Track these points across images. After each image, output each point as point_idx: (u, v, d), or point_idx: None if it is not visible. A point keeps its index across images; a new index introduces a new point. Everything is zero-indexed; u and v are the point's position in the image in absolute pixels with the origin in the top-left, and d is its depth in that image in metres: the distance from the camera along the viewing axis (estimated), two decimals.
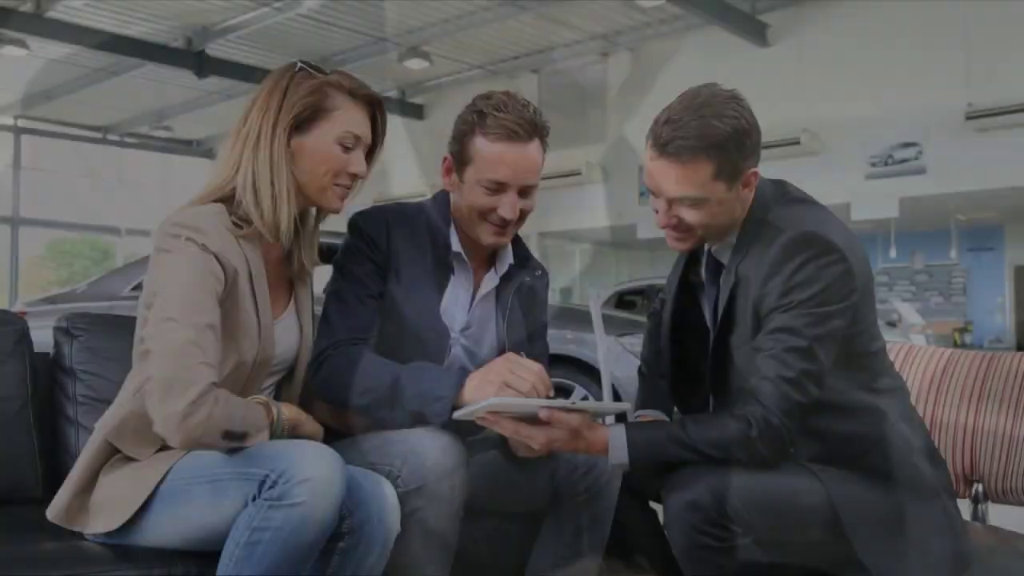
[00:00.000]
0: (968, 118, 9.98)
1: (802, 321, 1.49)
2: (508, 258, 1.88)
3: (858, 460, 1.56)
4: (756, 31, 11.36)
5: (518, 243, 1.91)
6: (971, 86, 9.92)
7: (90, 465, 1.56)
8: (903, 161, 10.60)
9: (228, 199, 1.58)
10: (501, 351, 1.80)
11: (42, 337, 2.01)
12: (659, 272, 15.03)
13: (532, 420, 1.53)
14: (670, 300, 1.81)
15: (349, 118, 1.60)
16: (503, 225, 1.76)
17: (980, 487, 1.91)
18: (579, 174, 12.99)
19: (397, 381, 1.60)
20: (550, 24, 11.96)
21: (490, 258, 1.89)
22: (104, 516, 1.51)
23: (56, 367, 1.98)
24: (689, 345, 1.78)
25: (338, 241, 1.82)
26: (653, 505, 1.91)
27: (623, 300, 10.34)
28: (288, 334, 1.67)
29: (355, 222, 1.80)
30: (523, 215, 1.78)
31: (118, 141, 17.71)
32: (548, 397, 1.59)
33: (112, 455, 1.56)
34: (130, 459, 1.55)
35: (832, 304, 1.50)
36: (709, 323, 1.72)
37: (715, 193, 1.56)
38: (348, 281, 1.74)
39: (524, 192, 1.76)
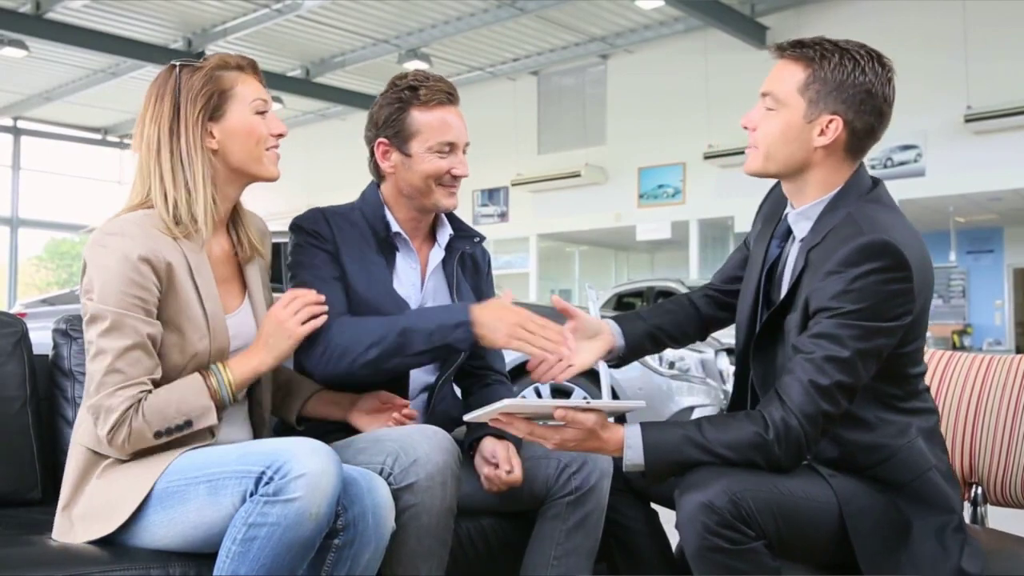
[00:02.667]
0: (967, 120, 10.00)
1: (848, 332, 1.44)
2: (447, 230, 1.95)
3: (872, 469, 1.54)
4: (755, 34, 11.38)
5: (452, 216, 1.98)
6: (970, 88, 9.94)
7: (78, 478, 1.56)
8: (902, 163, 10.62)
9: (151, 207, 1.60)
10: None
11: (41, 338, 2.01)
12: (658, 274, 15.05)
13: (545, 419, 1.52)
14: (756, 261, 1.73)
15: (249, 88, 1.64)
16: (454, 185, 1.87)
17: (979, 490, 1.91)
18: (578, 175, 13.01)
19: (404, 327, 1.67)
20: (549, 26, 11.98)
21: (431, 235, 1.96)
22: (101, 520, 1.51)
23: (55, 368, 1.98)
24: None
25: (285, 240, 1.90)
26: (654, 506, 1.91)
27: (622, 302, 10.34)
28: (244, 328, 1.68)
29: (296, 223, 1.88)
30: (467, 174, 1.89)
31: (117, 143, 17.72)
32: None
33: (99, 462, 1.56)
34: (122, 461, 1.55)
35: (882, 321, 1.45)
36: (757, 281, 1.68)
37: (791, 105, 1.54)
38: (306, 271, 1.80)
39: (463, 151, 1.88)
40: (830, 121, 1.54)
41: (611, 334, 1.82)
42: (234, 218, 1.72)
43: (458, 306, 1.71)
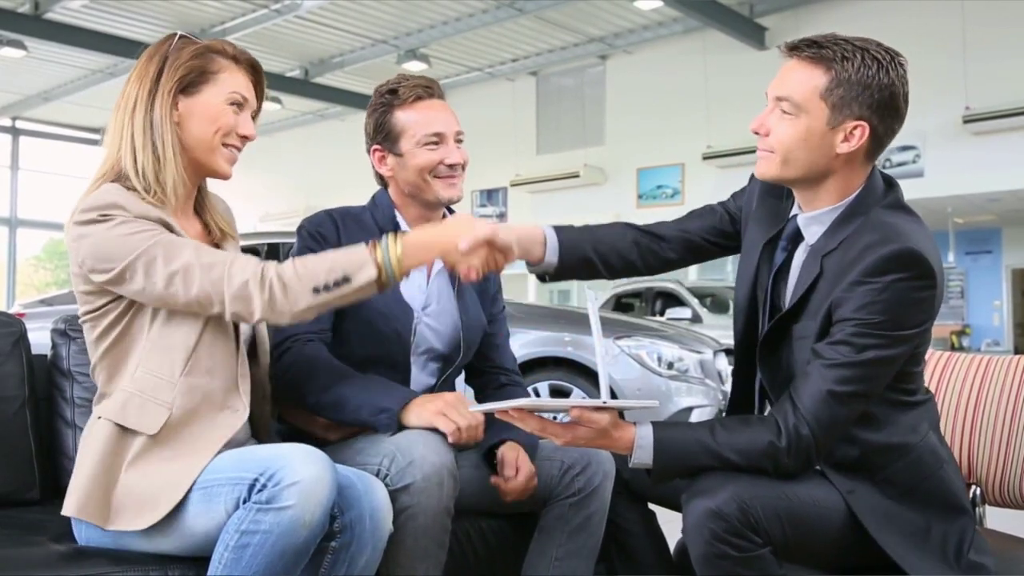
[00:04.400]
0: (965, 121, 10.01)
1: (869, 341, 1.43)
2: None
3: (887, 469, 1.53)
4: (755, 34, 11.38)
5: None
6: (968, 89, 9.95)
7: (107, 457, 1.48)
8: (901, 164, 10.62)
9: (121, 177, 1.56)
10: (459, 326, 1.89)
11: (39, 339, 2.01)
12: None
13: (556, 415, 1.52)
14: (751, 261, 1.67)
15: (235, 80, 1.62)
16: (452, 175, 1.87)
17: (977, 490, 1.91)
18: (577, 176, 13.01)
19: (339, 394, 1.68)
20: (548, 27, 11.98)
21: None
22: (131, 514, 1.46)
23: (53, 369, 1.98)
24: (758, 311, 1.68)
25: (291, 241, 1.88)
26: (651, 507, 1.91)
27: (621, 302, 10.35)
28: None
29: (302, 225, 1.88)
30: (463, 162, 1.89)
31: None
32: (475, 444, 1.68)
33: (129, 443, 1.49)
34: (153, 454, 1.49)
35: (905, 329, 1.44)
36: (766, 289, 1.64)
37: (813, 111, 1.47)
38: None
39: (457, 140, 1.88)
40: (855, 127, 1.48)
41: (541, 249, 1.72)
42: (199, 204, 1.69)
43: (400, 393, 1.69)
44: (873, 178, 1.56)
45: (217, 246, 1.67)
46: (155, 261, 1.45)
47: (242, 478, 1.38)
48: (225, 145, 1.60)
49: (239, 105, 1.61)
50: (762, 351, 1.60)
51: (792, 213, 1.62)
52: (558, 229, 1.76)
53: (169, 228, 1.51)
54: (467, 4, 11.04)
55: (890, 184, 1.58)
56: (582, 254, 1.75)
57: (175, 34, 1.62)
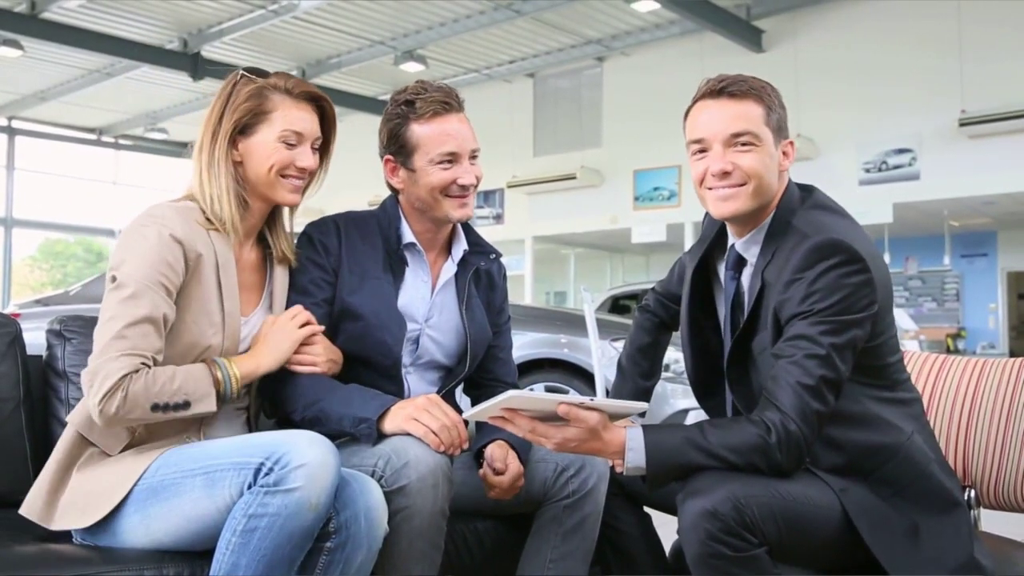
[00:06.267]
0: (961, 124, 10.03)
1: (821, 328, 1.48)
2: (463, 244, 1.94)
3: (878, 471, 1.55)
4: (751, 37, 11.40)
5: (470, 231, 1.98)
6: (964, 92, 9.97)
7: (62, 460, 1.58)
8: (897, 167, 10.64)
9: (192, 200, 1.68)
10: (465, 338, 1.88)
11: (35, 339, 2.01)
12: (653, 276, 15.04)
13: (548, 419, 1.50)
14: (687, 290, 1.79)
15: (289, 117, 1.67)
16: (464, 195, 1.84)
17: (972, 493, 1.91)
18: (574, 178, 13.01)
19: (322, 406, 1.69)
20: (545, 28, 11.98)
21: (446, 249, 1.94)
22: (76, 512, 1.52)
23: (49, 369, 1.98)
24: (708, 337, 1.77)
25: None
26: (647, 510, 1.92)
27: (617, 304, 10.35)
28: (255, 332, 1.71)
29: (305, 231, 1.86)
30: (476, 182, 1.88)
31: (112, 143, 17.69)
32: (465, 448, 1.66)
33: (83, 449, 1.58)
34: (106, 455, 1.57)
35: (852, 313, 1.49)
36: (724, 319, 1.71)
37: (766, 138, 1.61)
38: (293, 292, 1.80)
39: (472, 158, 1.86)
40: (788, 143, 1.67)
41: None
42: (271, 227, 1.77)
43: (377, 402, 1.68)
44: (789, 187, 1.67)
45: (265, 275, 1.77)
46: (117, 292, 1.52)
47: (248, 462, 1.40)
48: (285, 176, 1.68)
49: (292, 142, 1.67)
50: (730, 375, 1.65)
51: (730, 243, 1.71)
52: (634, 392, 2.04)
53: (193, 262, 1.58)
54: (464, 5, 11.04)
55: (808, 190, 1.69)
56: (646, 387, 2.06)
57: (238, 72, 1.69)
